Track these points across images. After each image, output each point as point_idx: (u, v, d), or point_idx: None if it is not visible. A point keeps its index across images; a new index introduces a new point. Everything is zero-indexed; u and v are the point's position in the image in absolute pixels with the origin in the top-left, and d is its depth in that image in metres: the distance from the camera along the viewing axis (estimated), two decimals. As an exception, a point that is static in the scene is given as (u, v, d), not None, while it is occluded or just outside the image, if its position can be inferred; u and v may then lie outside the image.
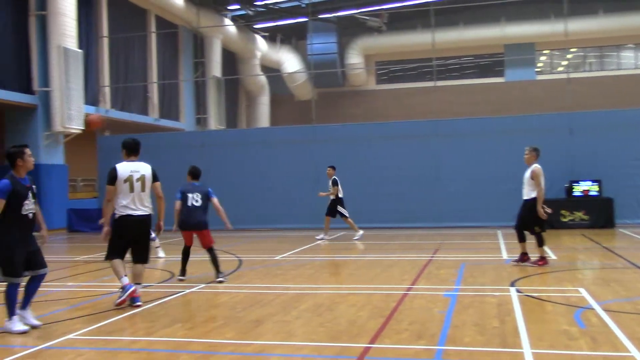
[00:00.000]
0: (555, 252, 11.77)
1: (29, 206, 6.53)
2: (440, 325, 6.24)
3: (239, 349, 5.61)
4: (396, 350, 5.47)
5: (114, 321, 6.84)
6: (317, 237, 15.63)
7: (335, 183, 15.65)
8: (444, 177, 18.29)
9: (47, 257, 10.60)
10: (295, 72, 34.46)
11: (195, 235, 9.86)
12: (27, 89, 20.23)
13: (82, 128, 20.77)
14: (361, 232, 15.76)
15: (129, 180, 7.64)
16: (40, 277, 6.76)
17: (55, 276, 10.51)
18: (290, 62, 35.33)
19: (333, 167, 15.93)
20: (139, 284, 7.72)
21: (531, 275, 9.30)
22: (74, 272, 11.11)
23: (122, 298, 7.42)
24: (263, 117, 35.94)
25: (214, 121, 29.53)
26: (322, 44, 33.57)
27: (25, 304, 6.63)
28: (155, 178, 7.90)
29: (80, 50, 20.89)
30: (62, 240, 18.07)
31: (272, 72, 35.23)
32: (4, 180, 6.41)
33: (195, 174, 10.25)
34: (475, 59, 35.44)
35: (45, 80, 20.39)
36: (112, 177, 7.63)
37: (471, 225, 17.38)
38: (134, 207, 7.62)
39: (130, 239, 7.70)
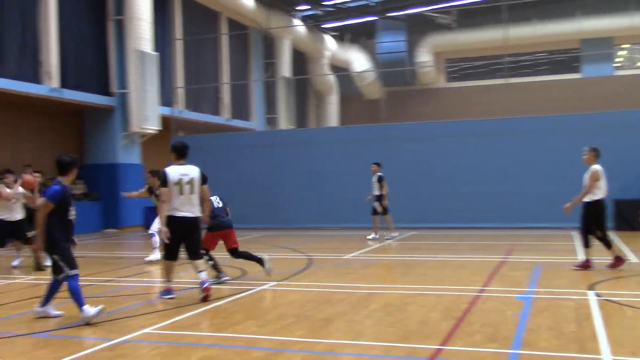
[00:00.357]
0: (638, 254, 11.28)
1: (73, 211, 6.91)
2: (514, 329, 6.08)
3: (308, 347, 5.64)
4: (468, 353, 5.36)
5: (188, 317, 7.01)
6: (373, 237, 15.54)
7: (380, 180, 15.52)
8: (517, 177, 17.84)
9: (125, 254, 10.98)
10: (364, 71, 34.38)
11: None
12: (106, 91, 21.03)
13: (158, 128, 21.42)
14: (378, 236, 15.54)
15: (179, 183, 7.84)
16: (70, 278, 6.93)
17: (131, 272, 10.87)
18: (359, 61, 35.28)
19: (378, 164, 15.79)
20: (202, 271, 7.95)
21: (610, 278, 8.94)
22: (150, 269, 11.45)
23: (170, 295, 7.92)
24: (332, 116, 36.05)
25: (284, 121, 29.85)
26: (391, 42, 33.40)
27: (47, 301, 7.05)
28: (203, 181, 8.07)
29: (155, 53, 21.53)
30: (138, 237, 18.65)
31: (341, 71, 35.28)
32: (56, 187, 6.73)
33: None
34: (549, 55, 34.40)
35: (123, 82, 21.13)
36: (164, 180, 7.86)
37: (545, 226, 16.87)
38: (183, 209, 7.83)
39: (179, 238, 7.92)
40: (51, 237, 6.78)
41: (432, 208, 18.41)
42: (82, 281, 9.90)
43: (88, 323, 6.62)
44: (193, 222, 7.93)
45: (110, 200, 20.75)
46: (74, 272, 6.84)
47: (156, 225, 11.96)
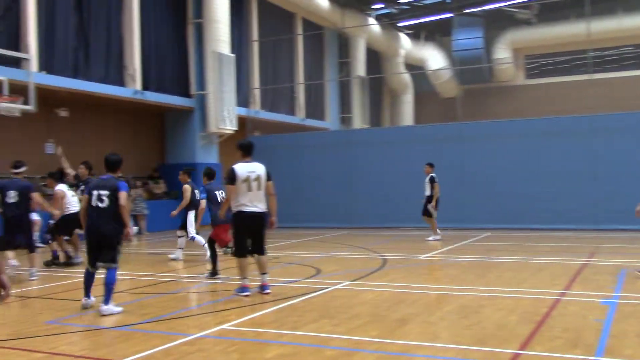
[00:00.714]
0: None
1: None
2: (598, 334, 5.85)
3: (383, 347, 5.61)
4: (549, 358, 5.19)
5: (263, 314, 7.12)
6: (428, 239, 15.25)
7: (432, 180, 15.18)
8: (601, 176, 17.14)
9: (202, 252, 11.26)
10: (439, 69, 33.91)
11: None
12: (185, 93, 21.65)
13: (235, 129, 21.87)
14: (439, 236, 15.16)
15: (246, 180, 8.03)
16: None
17: (208, 269, 11.11)
18: (434, 59, 34.83)
19: (431, 165, 15.43)
20: (265, 273, 8.30)
21: (703, 284, 8.46)
22: (227, 266, 11.68)
23: (245, 293, 8.09)
24: (407, 115, 35.74)
25: (358, 120, 29.85)
26: (467, 39, 32.78)
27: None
28: (268, 177, 8.26)
29: (232, 55, 21.97)
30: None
31: (416, 69, 34.92)
32: (124, 182, 7.50)
33: (211, 175, 10.94)
34: (636, 49, 32.84)
35: (201, 84, 21.69)
36: (232, 178, 8.05)
37: (632, 228, 16.12)
38: (250, 204, 8.06)
39: (248, 234, 8.16)
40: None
41: (509, 208, 17.94)
42: (163, 277, 10.25)
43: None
44: (260, 217, 8.16)
45: (189, 198, 21.34)
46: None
47: (192, 227, 12.52)
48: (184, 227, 12.69)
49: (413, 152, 19.33)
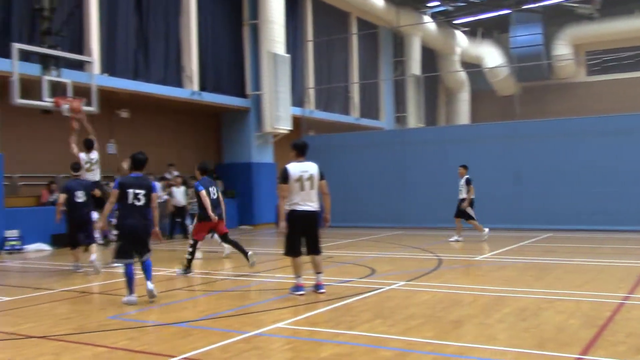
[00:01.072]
0: None
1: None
2: (664, 340, 5.63)
3: (438, 349, 5.55)
4: (611, 364, 5.04)
5: (318, 313, 7.14)
6: (451, 239, 15.01)
7: (469, 182, 14.89)
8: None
9: (259, 250, 11.36)
10: (497, 67, 33.31)
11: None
12: (241, 93, 21.94)
13: (290, 128, 22.03)
14: (487, 229, 14.91)
15: (299, 179, 8.07)
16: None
17: (264, 267, 11.24)
18: (491, 56, 34.25)
19: (465, 167, 15.15)
20: (319, 272, 8.35)
21: None
22: (282, 265, 11.77)
23: (300, 292, 8.15)
24: (463, 113, 35.27)
25: (413, 119, 29.62)
26: (526, 35, 32.07)
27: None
28: (321, 177, 8.30)
29: (287, 55, 22.13)
30: (271, 234, 19.26)
31: (473, 67, 34.41)
32: (155, 182, 8.12)
33: (205, 170, 11.18)
34: None
35: (257, 84, 21.93)
36: (285, 177, 8.11)
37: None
38: (303, 203, 8.10)
39: (301, 233, 8.19)
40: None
41: (570, 209, 17.47)
42: (219, 275, 10.40)
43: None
44: (313, 215, 8.22)
45: (245, 197, 21.65)
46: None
47: None
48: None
49: (469, 151, 19.03)
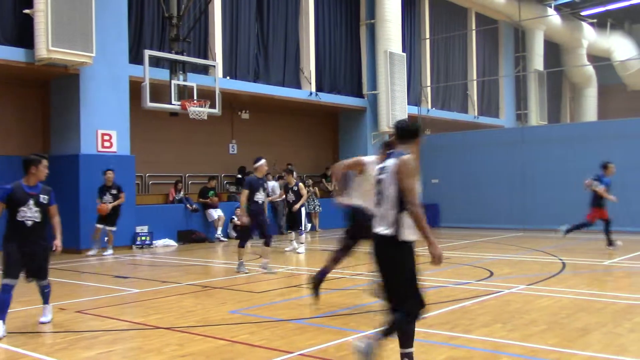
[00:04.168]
0: None
1: (26, 214, 6.52)
2: None
3: (563, 357, 5.29)
4: None
5: (434, 315, 7.02)
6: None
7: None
8: None
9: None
10: (628, 60, 31.29)
11: None
12: (358, 93, 22.04)
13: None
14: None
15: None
16: (41, 288, 6.87)
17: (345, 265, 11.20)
18: (622, 48, 32.24)
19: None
20: None
21: None
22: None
23: None
24: (590, 110, 33.47)
25: (535, 116, 28.45)
26: (662, 25, 29.91)
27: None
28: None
29: (403, 54, 21.98)
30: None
31: (601, 61, 32.54)
32: (7, 185, 6.64)
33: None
34: None
35: (373, 83, 21.95)
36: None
37: None
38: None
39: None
40: None
41: None
42: (336, 274, 10.51)
43: None
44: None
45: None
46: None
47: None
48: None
49: (597, 150, 17.96)
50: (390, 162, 4.89)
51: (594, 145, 18.10)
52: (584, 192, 13.97)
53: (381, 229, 4.83)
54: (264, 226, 10.66)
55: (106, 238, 14.02)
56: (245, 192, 10.43)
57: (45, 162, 6.70)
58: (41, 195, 6.64)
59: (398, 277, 4.78)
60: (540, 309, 7.28)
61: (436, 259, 4.67)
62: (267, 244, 10.60)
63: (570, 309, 7.18)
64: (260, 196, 10.56)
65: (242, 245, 10.69)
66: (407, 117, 21.89)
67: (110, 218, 13.89)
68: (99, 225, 13.88)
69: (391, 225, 4.74)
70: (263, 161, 10.72)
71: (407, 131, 5.11)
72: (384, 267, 4.88)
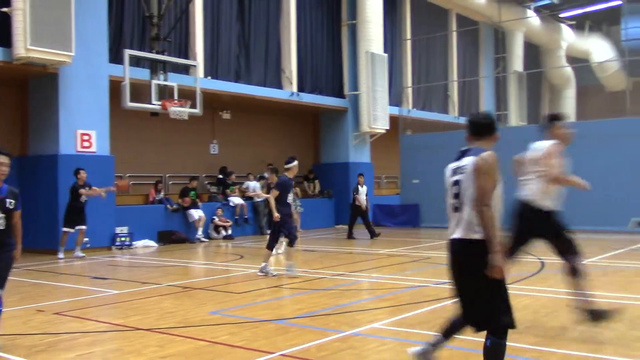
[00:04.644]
0: None
1: None
2: None
3: (543, 355, 5.34)
4: None
5: (414, 315, 7.05)
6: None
7: None
8: None
9: (354, 249, 11.33)
10: (606, 61, 31.68)
11: None
12: (339, 94, 22.07)
13: (387, 128, 21.92)
14: None
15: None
16: None
17: (361, 267, 11.25)
18: (600, 50, 32.65)
19: None
20: None
21: None
22: (379, 265, 11.74)
23: None
24: (568, 111, 33.80)
25: (515, 117, 28.70)
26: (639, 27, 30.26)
27: None
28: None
29: (385, 54, 22.05)
30: (366, 233, 19.20)
31: (580, 62, 32.90)
32: None
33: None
34: None
35: (355, 84, 21.99)
36: None
37: None
38: None
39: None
40: None
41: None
42: (317, 274, 10.49)
43: None
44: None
45: (342, 197, 21.70)
46: None
47: None
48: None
49: (576, 150, 18.11)
50: (468, 161, 4.56)
51: (572, 146, 18.20)
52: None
53: (466, 234, 4.48)
54: (291, 227, 10.36)
55: (77, 239, 13.63)
56: (275, 193, 10.09)
57: (3, 159, 5.69)
58: (7, 200, 5.69)
59: (488, 288, 4.23)
60: (520, 308, 7.33)
61: (496, 270, 4.14)
62: (291, 244, 10.37)
63: (549, 308, 7.24)
64: (290, 197, 10.36)
65: (271, 247, 10.34)
66: (388, 118, 21.96)
67: (80, 216, 13.60)
68: (67, 229, 13.53)
69: (479, 230, 4.32)
70: (296, 162, 10.51)
71: (483, 126, 4.69)
72: (470, 277, 4.36)
